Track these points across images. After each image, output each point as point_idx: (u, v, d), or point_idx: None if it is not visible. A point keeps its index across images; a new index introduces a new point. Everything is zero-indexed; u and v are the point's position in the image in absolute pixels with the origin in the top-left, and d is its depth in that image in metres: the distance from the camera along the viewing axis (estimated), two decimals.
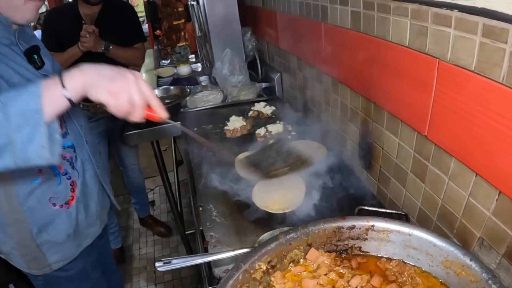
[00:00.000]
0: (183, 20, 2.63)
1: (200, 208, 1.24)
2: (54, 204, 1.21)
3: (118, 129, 2.54)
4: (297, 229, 0.87)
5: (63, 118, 1.22)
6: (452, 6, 0.79)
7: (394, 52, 1.04)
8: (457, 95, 0.83)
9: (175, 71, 3.12)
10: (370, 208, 1.08)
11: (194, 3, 2.57)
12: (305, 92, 1.82)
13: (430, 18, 0.87)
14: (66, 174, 1.23)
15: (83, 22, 2.19)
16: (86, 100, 0.87)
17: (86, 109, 2.33)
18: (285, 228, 1.05)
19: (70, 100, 0.83)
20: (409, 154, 1.07)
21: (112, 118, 2.49)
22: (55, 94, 0.81)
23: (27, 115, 0.78)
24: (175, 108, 2.09)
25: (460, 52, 0.80)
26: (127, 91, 0.83)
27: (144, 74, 3.29)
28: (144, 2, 5.10)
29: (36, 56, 1.19)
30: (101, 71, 0.84)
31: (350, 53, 1.30)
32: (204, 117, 1.97)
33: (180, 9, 2.58)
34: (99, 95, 0.82)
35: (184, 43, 2.77)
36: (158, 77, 3.10)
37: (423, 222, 1.05)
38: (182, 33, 2.66)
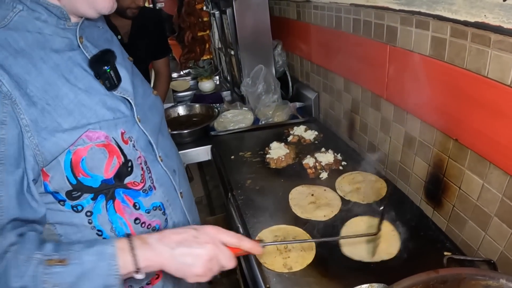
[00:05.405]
0: (208, 31, 2.44)
1: (265, 264, 1.07)
2: (131, 287, 0.97)
3: None
4: None
5: (147, 164, 0.91)
6: None
7: (492, 90, 0.91)
8: None
9: (191, 84, 2.95)
10: (458, 257, 0.99)
11: (216, 12, 2.40)
12: (353, 117, 1.66)
13: None
14: None
15: (119, 37, 2.02)
16: None
17: None
18: (375, 285, 0.93)
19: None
20: (496, 197, 0.97)
21: None
22: (127, 269, 0.73)
23: None
24: (203, 130, 1.92)
25: None
26: (212, 269, 0.78)
27: None
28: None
29: (108, 69, 0.80)
30: (177, 251, 0.75)
31: (426, 82, 1.15)
32: (238, 142, 1.80)
33: (205, 19, 2.39)
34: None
35: (208, 57, 2.59)
36: (173, 91, 2.92)
37: (504, 267, 0.96)
38: (207, 45, 2.47)
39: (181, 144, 1.93)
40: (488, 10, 0.86)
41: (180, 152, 1.88)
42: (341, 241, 1.11)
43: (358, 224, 1.19)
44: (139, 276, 0.73)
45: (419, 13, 1.09)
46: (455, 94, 1.04)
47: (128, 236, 0.75)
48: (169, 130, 1.18)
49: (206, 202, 3.71)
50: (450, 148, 1.11)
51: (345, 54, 1.61)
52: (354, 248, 1.08)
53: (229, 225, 1.33)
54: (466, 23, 0.94)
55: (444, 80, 1.07)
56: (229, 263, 0.79)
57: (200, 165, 4.27)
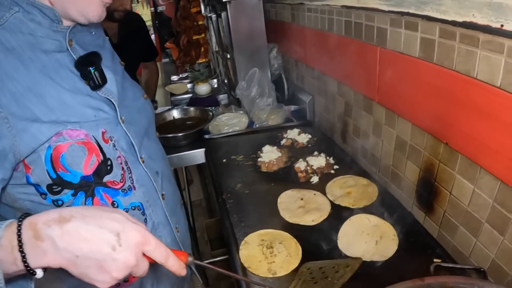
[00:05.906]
0: (203, 35, 2.44)
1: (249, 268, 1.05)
2: None
3: None
4: None
5: (127, 164, 0.92)
6: None
7: (481, 91, 0.89)
8: None
9: (189, 87, 2.93)
10: (446, 265, 0.96)
11: (213, 15, 2.40)
12: (346, 120, 1.64)
13: None
14: None
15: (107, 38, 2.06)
16: None
17: None
18: None
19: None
20: (486, 203, 0.95)
21: None
22: (13, 268, 0.56)
23: None
24: (198, 134, 1.91)
25: None
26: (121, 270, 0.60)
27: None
28: (151, 12, 4.95)
29: (92, 69, 0.83)
30: (82, 262, 0.57)
31: (416, 84, 1.13)
32: (231, 145, 1.79)
33: (200, 22, 2.39)
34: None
35: (204, 60, 2.58)
36: (171, 94, 2.91)
37: (495, 275, 0.94)
38: (202, 49, 2.47)
39: (176, 147, 1.93)
40: (476, 10, 0.84)
41: (175, 155, 1.89)
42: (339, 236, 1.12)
43: (362, 221, 1.18)
44: (38, 276, 0.58)
45: (408, 13, 1.08)
46: (444, 97, 1.02)
47: (20, 221, 0.57)
48: (157, 134, 1.18)
49: (205, 204, 3.70)
50: (441, 152, 1.09)
51: (337, 57, 1.59)
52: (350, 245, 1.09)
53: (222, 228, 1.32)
54: (454, 23, 0.92)
55: (434, 82, 1.05)
56: (143, 274, 0.63)
57: (200, 168, 4.27)
